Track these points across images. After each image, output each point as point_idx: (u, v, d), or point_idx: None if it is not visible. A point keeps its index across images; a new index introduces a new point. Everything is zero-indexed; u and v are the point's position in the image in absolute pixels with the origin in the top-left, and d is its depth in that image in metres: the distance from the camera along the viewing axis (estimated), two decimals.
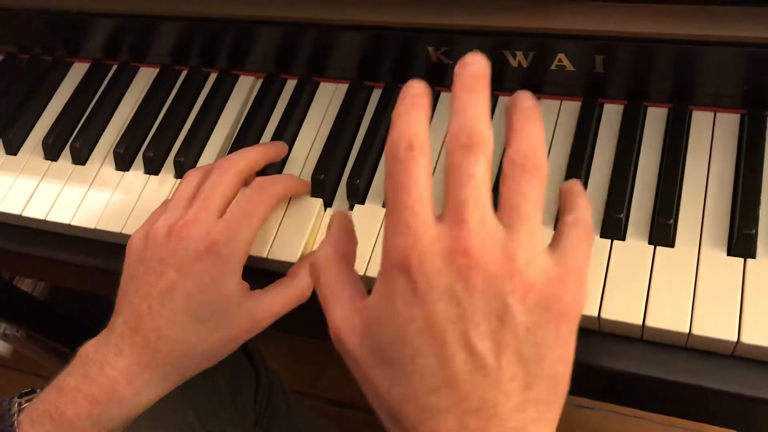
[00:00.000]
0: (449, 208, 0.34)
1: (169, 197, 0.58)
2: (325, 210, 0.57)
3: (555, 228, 0.42)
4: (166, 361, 0.48)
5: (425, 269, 0.33)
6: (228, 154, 0.61)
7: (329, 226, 0.41)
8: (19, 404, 0.49)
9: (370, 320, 0.35)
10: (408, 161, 0.35)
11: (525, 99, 0.37)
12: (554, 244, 0.37)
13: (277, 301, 0.50)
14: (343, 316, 0.37)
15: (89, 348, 0.49)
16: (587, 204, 0.40)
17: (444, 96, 0.60)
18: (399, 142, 0.35)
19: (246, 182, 0.54)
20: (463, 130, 0.34)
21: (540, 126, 0.36)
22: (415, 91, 0.37)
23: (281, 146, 0.59)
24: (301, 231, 0.55)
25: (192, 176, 0.53)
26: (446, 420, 0.33)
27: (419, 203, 0.34)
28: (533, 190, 0.35)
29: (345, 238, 0.40)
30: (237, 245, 0.48)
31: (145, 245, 0.50)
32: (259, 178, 0.53)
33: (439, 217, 0.35)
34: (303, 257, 0.54)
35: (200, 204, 0.50)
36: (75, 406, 0.47)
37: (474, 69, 0.37)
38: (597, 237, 0.50)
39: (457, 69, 0.37)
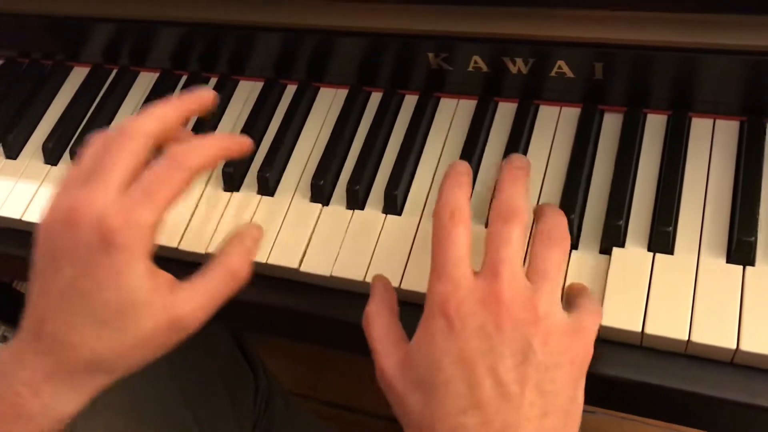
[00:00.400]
0: (487, 264, 0.41)
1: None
2: (323, 215, 0.57)
3: None
4: (70, 370, 0.41)
5: (462, 311, 0.40)
6: (226, 161, 0.61)
7: (372, 285, 0.47)
8: None
9: (411, 354, 0.41)
10: (451, 227, 0.42)
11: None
12: (570, 304, 0.43)
13: (203, 291, 0.43)
14: (388, 356, 0.42)
15: (1, 357, 0.43)
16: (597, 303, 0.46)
17: (444, 102, 0.60)
18: (444, 209, 0.43)
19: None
20: (504, 204, 0.43)
21: (562, 213, 0.45)
22: (461, 170, 0.45)
23: (208, 94, 0.48)
24: (300, 237, 0.55)
25: (95, 140, 0.44)
26: None
27: (460, 260, 0.41)
28: (556, 257, 0.42)
29: (387, 294, 0.46)
30: (138, 231, 0.40)
31: (45, 234, 0.42)
32: (173, 148, 0.43)
33: (476, 274, 0.41)
34: (233, 233, 0.47)
35: (94, 180, 0.41)
36: None
37: (517, 163, 0.46)
38: (596, 245, 0.50)
39: (503, 164, 0.46)
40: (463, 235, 0.42)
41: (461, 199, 0.43)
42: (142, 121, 0.43)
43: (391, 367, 0.42)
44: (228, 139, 0.47)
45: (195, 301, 0.43)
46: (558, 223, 0.44)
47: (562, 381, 0.39)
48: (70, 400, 0.42)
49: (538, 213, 0.46)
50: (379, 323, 0.44)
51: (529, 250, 0.43)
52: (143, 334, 0.41)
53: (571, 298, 0.45)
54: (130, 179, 0.41)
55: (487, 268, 0.41)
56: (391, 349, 0.43)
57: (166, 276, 0.43)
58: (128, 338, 0.41)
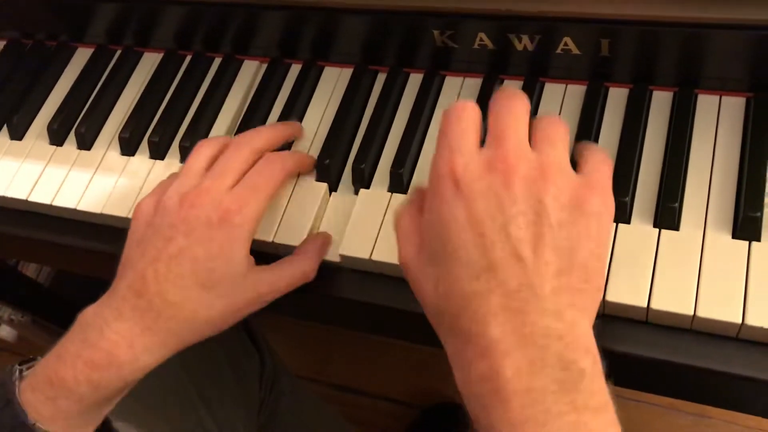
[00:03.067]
0: (491, 134, 0.40)
1: (177, 172, 0.58)
2: (330, 194, 0.57)
3: None
4: (167, 327, 0.48)
5: (468, 174, 0.39)
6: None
7: (412, 190, 0.47)
8: (20, 372, 0.49)
9: (423, 231, 0.41)
10: (459, 110, 0.41)
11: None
12: (580, 166, 0.41)
13: (282, 277, 0.51)
14: (407, 243, 0.42)
15: (89, 313, 0.49)
16: (600, 150, 0.44)
17: (449, 80, 0.60)
18: (454, 104, 0.42)
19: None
20: (507, 89, 0.42)
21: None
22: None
23: (297, 126, 0.59)
24: (306, 215, 0.55)
25: (204, 147, 0.53)
26: (488, 301, 0.37)
27: (465, 132, 0.40)
28: (561, 131, 0.41)
29: (421, 194, 0.44)
30: (248, 216, 0.49)
31: (155, 211, 0.50)
32: (270, 153, 0.53)
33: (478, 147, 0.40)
34: (308, 238, 0.54)
35: (215, 175, 0.50)
36: (74, 372, 0.46)
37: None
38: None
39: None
40: (471, 115, 0.41)
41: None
42: (253, 138, 0.53)
43: (409, 252, 0.42)
44: (308, 160, 0.57)
45: (276, 284, 0.50)
46: (557, 120, 0.43)
47: (579, 236, 0.38)
48: (155, 354, 0.48)
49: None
50: (407, 218, 0.44)
51: (532, 128, 0.41)
52: (234, 302, 0.49)
53: (581, 159, 0.42)
54: (237, 180, 0.50)
55: (491, 137, 0.40)
56: (412, 236, 0.42)
57: (253, 258, 0.50)
58: (221, 304, 0.48)
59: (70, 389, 0.47)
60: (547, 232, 0.37)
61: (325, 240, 0.54)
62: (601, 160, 0.42)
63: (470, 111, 0.41)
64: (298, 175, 0.58)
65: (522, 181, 0.38)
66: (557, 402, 0.35)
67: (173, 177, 0.54)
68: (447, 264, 0.38)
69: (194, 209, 0.48)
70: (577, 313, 0.37)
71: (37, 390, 0.47)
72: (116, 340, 0.47)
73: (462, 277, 0.37)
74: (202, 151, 0.53)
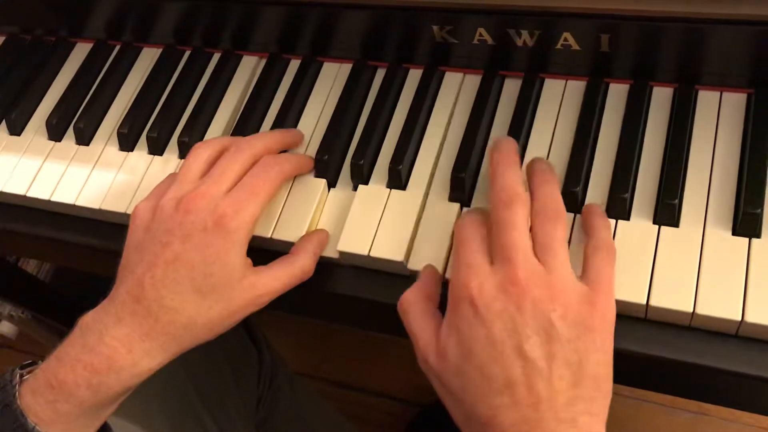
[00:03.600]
0: (498, 251, 0.44)
1: (175, 172, 0.58)
2: (328, 190, 0.57)
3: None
4: (165, 332, 0.48)
5: (484, 297, 0.42)
6: (231, 134, 0.62)
7: (421, 272, 0.49)
8: (21, 375, 0.49)
9: (444, 343, 0.44)
10: (469, 224, 0.46)
11: (540, 163, 0.49)
12: (584, 270, 0.45)
13: (279, 277, 0.51)
14: (426, 344, 0.45)
15: (88, 318, 0.49)
16: (605, 224, 0.47)
17: (448, 76, 0.60)
18: (470, 212, 0.47)
19: None
20: (502, 191, 0.45)
21: (555, 184, 0.47)
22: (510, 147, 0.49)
23: (298, 134, 0.59)
24: (305, 211, 0.55)
25: (201, 150, 0.53)
26: (510, 414, 0.41)
27: (478, 252, 0.44)
28: (558, 232, 0.44)
29: (433, 284, 0.48)
30: (244, 220, 0.49)
31: (152, 216, 0.50)
32: (267, 156, 0.54)
33: (491, 261, 0.44)
34: (305, 235, 0.54)
35: (212, 180, 0.50)
36: (74, 375, 0.47)
37: (506, 146, 0.48)
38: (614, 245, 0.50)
39: (492, 151, 0.48)
40: (480, 232, 0.45)
41: (513, 180, 0.46)
42: (254, 143, 0.54)
43: (433, 357, 0.44)
44: (306, 161, 0.57)
45: (273, 284, 0.50)
46: (552, 198, 0.46)
47: (586, 350, 0.41)
48: (155, 359, 0.49)
49: (531, 188, 0.47)
50: (418, 308, 0.46)
51: (532, 231, 0.45)
52: (233, 306, 0.49)
53: (585, 259, 0.46)
54: (234, 184, 0.51)
55: (499, 255, 0.43)
56: (432, 339, 0.45)
57: (250, 260, 0.50)
58: (219, 308, 0.49)
59: (70, 393, 0.47)
60: (558, 350, 0.41)
61: (321, 237, 0.54)
62: (604, 258, 0.45)
63: (478, 227, 0.46)
64: None
65: (532, 304, 0.41)
66: None
67: (170, 178, 0.54)
68: (472, 377, 0.42)
69: (190, 214, 0.49)
70: (590, 418, 0.41)
71: (37, 393, 0.48)
72: (115, 345, 0.47)
73: (487, 390, 0.41)
74: (200, 154, 0.53)
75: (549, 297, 0.42)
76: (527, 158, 0.53)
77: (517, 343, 0.41)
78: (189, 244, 0.48)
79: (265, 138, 0.55)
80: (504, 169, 0.46)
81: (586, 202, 0.51)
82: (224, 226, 0.48)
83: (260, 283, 0.50)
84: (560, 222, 0.45)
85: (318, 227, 0.55)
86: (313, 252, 0.53)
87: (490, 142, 0.56)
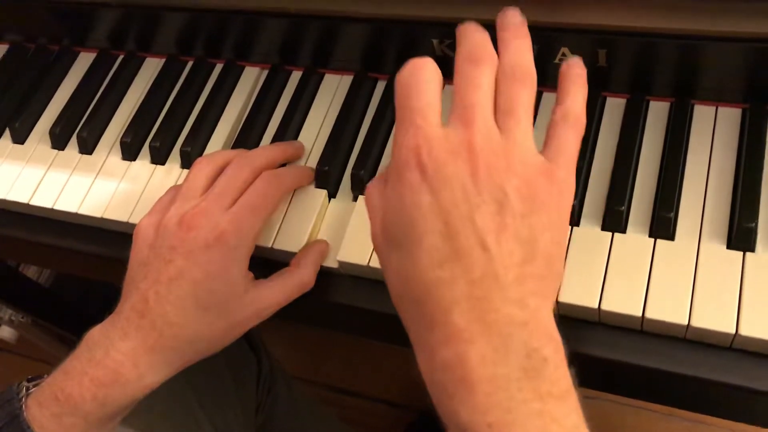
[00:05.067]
0: (457, 111, 0.39)
1: (177, 184, 0.59)
2: (329, 201, 0.57)
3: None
4: (170, 346, 0.49)
5: (433, 160, 0.37)
6: (233, 145, 0.62)
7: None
8: (27, 388, 0.50)
9: (384, 212, 0.40)
10: (419, 68, 0.40)
11: (513, 16, 0.43)
12: (546, 140, 0.41)
13: (281, 290, 0.52)
14: (373, 222, 0.41)
15: (95, 333, 0.50)
16: (580, 91, 0.42)
17: (448, 88, 0.60)
18: (409, 62, 0.40)
19: None
20: (472, 48, 0.41)
21: (527, 41, 0.42)
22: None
23: (299, 146, 0.60)
24: (305, 222, 0.56)
25: (202, 165, 0.54)
26: (451, 290, 0.36)
27: (428, 107, 0.39)
28: (524, 96, 0.40)
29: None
30: (245, 236, 0.50)
31: (155, 233, 0.51)
32: (268, 172, 0.54)
33: (446, 124, 0.39)
34: (305, 247, 0.54)
35: (214, 196, 0.51)
36: (81, 389, 0.48)
37: (471, 23, 0.43)
38: (598, 229, 0.50)
39: (460, 27, 0.43)
40: (433, 79, 0.40)
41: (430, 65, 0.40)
42: (254, 158, 0.54)
43: (375, 231, 0.41)
44: (308, 174, 0.57)
45: (274, 298, 0.51)
46: (522, 56, 0.41)
47: (540, 226, 0.38)
48: (160, 372, 0.49)
49: (499, 44, 0.42)
50: (376, 194, 0.42)
51: (496, 93, 0.40)
52: (234, 321, 0.50)
53: (549, 126, 0.42)
54: (236, 199, 0.51)
55: (457, 115, 0.39)
56: (379, 208, 0.41)
57: (251, 274, 0.51)
58: (224, 323, 0.50)
59: (76, 406, 0.48)
60: (510, 223, 0.37)
61: (321, 248, 0.54)
62: (569, 132, 0.41)
63: (431, 73, 0.40)
64: None
65: (487, 170, 0.37)
66: (521, 389, 0.35)
67: (172, 191, 0.54)
68: (410, 250, 0.37)
69: (192, 231, 0.49)
70: (539, 300, 0.37)
71: (43, 406, 0.48)
72: (121, 360, 0.48)
73: (425, 264, 0.37)
74: (201, 169, 0.54)
75: (505, 166, 0.38)
76: None
77: (465, 212, 0.37)
78: (192, 261, 0.49)
79: (267, 152, 0.56)
80: (472, 28, 0.42)
81: (583, 216, 0.51)
82: (226, 242, 0.49)
83: (262, 297, 0.51)
84: (528, 85, 0.40)
85: (318, 237, 0.56)
86: (313, 263, 0.53)
87: None
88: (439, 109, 0.39)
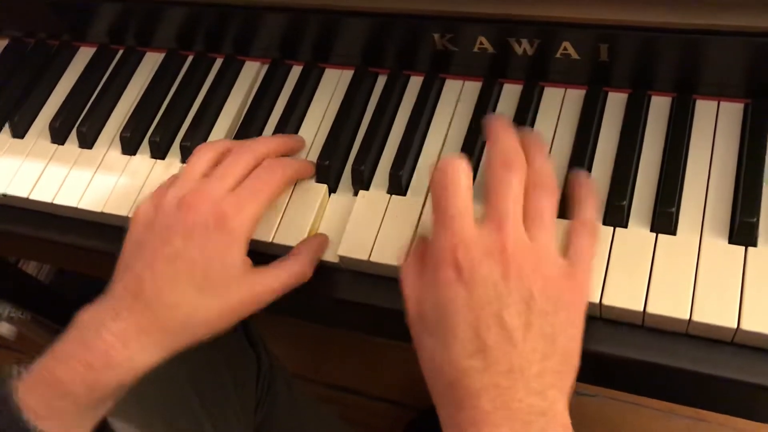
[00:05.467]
0: (491, 215, 0.43)
1: (177, 174, 0.58)
2: (329, 196, 0.57)
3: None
4: (162, 327, 0.48)
5: (469, 261, 0.42)
6: (233, 139, 0.62)
7: (417, 240, 0.49)
8: (19, 372, 0.49)
9: (421, 300, 0.44)
10: (453, 173, 0.44)
11: (531, 134, 0.49)
12: (567, 245, 0.45)
13: (278, 277, 0.51)
14: (412, 299, 0.45)
15: (85, 315, 0.49)
16: (593, 202, 0.48)
17: (449, 83, 0.60)
18: (444, 164, 0.44)
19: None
20: (503, 153, 0.45)
21: (547, 154, 0.47)
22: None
23: (300, 140, 0.60)
24: (305, 216, 0.55)
25: (204, 151, 0.54)
26: (481, 378, 0.40)
27: (464, 212, 0.43)
28: (549, 205, 0.45)
29: (420, 246, 0.47)
30: (245, 220, 0.50)
31: (154, 214, 0.50)
32: (270, 159, 0.54)
33: (479, 224, 0.43)
34: (305, 239, 0.54)
35: (215, 179, 0.51)
36: (70, 372, 0.47)
37: (501, 118, 0.48)
38: (599, 224, 0.50)
39: (489, 119, 0.49)
40: (465, 184, 0.44)
41: (463, 165, 0.45)
42: (257, 146, 0.54)
43: (412, 315, 0.44)
44: (309, 167, 0.57)
45: (272, 285, 0.51)
46: (546, 169, 0.46)
47: (561, 324, 0.42)
48: (152, 355, 0.48)
49: (526, 154, 0.47)
50: (411, 276, 0.46)
51: (524, 200, 0.45)
52: (230, 304, 0.49)
53: (569, 234, 0.46)
54: (236, 185, 0.51)
55: (491, 218, 0.43)
56: (414, 298, 0.45)
57: (249, 261, 0.51)
58: (217, 306, 0.49)
59: (66, 389, 0.47)
60: (535, 321, 0.41)
61: (321, 241, 0.54)
62: (587, 239, 0.46)
63: (463, 177, 0.44)
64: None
65: (517, 273, 0.41)
66: None
67: (172, 180, 0.54)
68: (445, 338, 0.42)
69: (192, 212, 0.49)
70: (557, 393, 0.41)
71: (34, 390, 0.47)
72: (112, 341, 0.47)
73: (458, 353, 0.41)
74: (202, 155, 0.54)
75: (532, 268, 0.42)
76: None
77: (497, 310, 0.41)
78: (190, 242, 0.48)
79: (268, 142, 0.56)
80: (504, 134, 0.46)
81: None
82: (225, 224, 0.49)
83: (259, 282, 0.50)
84: (554, 195, 0.45)
85: (318, 232, 0.55)
86: (311, 254, 0.53)
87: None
88: (472, 212, 0.43)
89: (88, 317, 0.49)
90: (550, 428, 0.40)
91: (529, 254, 0.42)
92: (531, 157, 0.47)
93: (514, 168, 0.44)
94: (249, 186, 0.51)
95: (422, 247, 0.47)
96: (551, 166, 0.47)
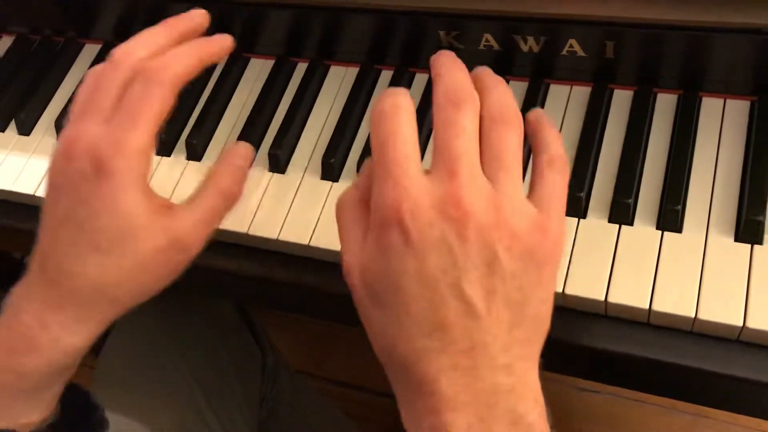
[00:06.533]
0: (440, 160, 0.36)
1: None
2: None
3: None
4: (74, 300, 0.42)
5: (418, 221, 0.35)
6: (239, 137, 0.62)
7: (362, 172, 0.41)
8: None
9: (366, 268, 0.37)
10: (393, 116, 0.37)
11: (486, 69, 0.41)
12: (533, 189, 0.39)
13: (196, 210, 0.43)
14: (349, 259, 0.38)
15: (11, 296, 0.43)
16: (556, 135, 0.41)
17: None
18: (383, 100, 0.37)
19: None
20: (451, 88, 0.37)
21: (508, 89, 0.39)
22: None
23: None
24: (310, 213, 0.55)
25: (89, 75, 0.43)
26: (438, 359, 0.35)
27: (406, 158, 0.36)
28: (513, 141, 0.37)
29: (370, 182, 0.39)
30: (128, 155, 0.40)
31: (50, 171, 0.43)
32: (147, 64, 0.42)
33: (427, 171, 0.36)
34: (224, 152, 0.47)
35: (83, 112, 0.42)
36: None
37: (447, 52, 0.41)
38: (605, 222, 0.50)
39: (434, 57, 0.41)
40: (410, 127, 0.37)
41: (405, 97, 0.38)
42: (131, 50, 0.42)
43: (355, 278, 0.38)
44: (204, 43, 0.45)
45: (192, 220, 0.43)
46: (506, 99, 0.38)
47: (530, 286, 0.36)
48: (76, 333, 0.42)
49: (479, 86, 0.39)
50: (347, 217, 0.39)
51: (481, 139, 0.37)
52: (143, 257, 0.41)
53: (535, 174, 0.39)
54: (116, 109, 0.41)
55: (441, 165, 0.36)
56: (357, 249, 0.38)
57: (161, 199, 0.43)
58: (128, 263, 0.41)
59: None
60: (500, 286, 0.35)
61: (240, 151, 0.47)
62: (557, 177, 0.39)
63: (407, 113, 0.37)
64: (303, 174, 0.58)
65: (476, 230, 0.35)
66: None
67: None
68: (397, 314, 0.36)
69: (70, 162, 0.41)
70: (526, 363, 0.36)
71: None
72: (29, 322, 0.42)
73: (413, 332, 0.35)
74: (85, 83, 0.43)
75: (495, 223, 0.35)
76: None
77: (454, 279, 0.34)
78: (74, 198, 0.41)
79: (150, 38, 0.44)
80: (451, 69, 0.39)
81: (590, 208, 0.51)
82: (103, 169, 0.40)
83: (174, 225, 0.42)
84: (516, 127, 0.37)
85: (324, 228, 0.55)
86: (233, 168, 0.45)
87: None
88: (419, 158, 0.36)
89: (11, 299, 0.43)
90: (519, 405, 0.35)
91: (490, 205, 0.35)
92: (485, 88, 0.39)
93: (464, 103, 0.37)
94: (123, 111, 0.41)
95: (363, 188, 0.39)
96: (511, 96, 0.38)
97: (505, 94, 0.38)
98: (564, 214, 0.38)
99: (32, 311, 0.42)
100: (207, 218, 0.43)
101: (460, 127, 0.36)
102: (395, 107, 0.37)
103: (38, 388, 0.44)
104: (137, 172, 0.41)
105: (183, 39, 0.45)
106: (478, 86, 0.38)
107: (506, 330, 0.35)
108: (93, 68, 0.44)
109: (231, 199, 0.44)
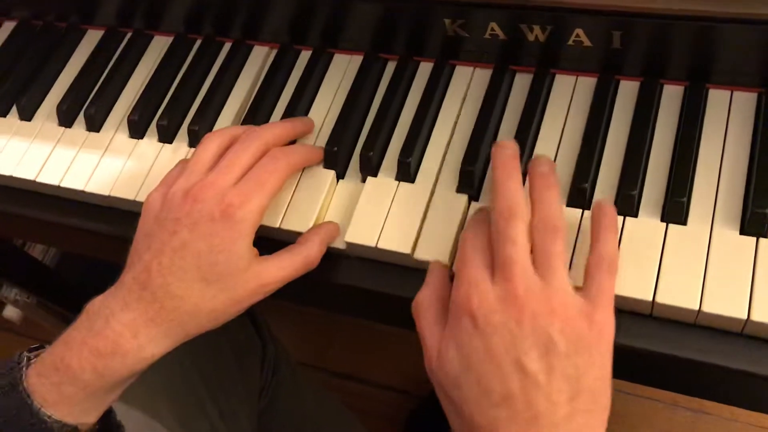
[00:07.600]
0: (499, 265, 0.44)
1: (186, 158, 0.59)
2: (337, 182, 0.57)
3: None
4: (170, 318, 0.49)
5: (483, 309, 0.43)
6: (241, 124, 0.62)
7: (429, 270, 0.49)
8: (28, 358, 0.50)
9: (445, 354, 0.44)
10: (471, 238, 0.46)
11: (542, 165, 0.48)
12: (585, 284, 0.45)
13: (285, 266, 0.51)
14: (431, 350, 0.45)
15: (96, 303, 0.50)
16: (612, 236, 0.46)
17: (459, 70, 0.60)
18: (472, 224, 0.47)
19: None
20: (505, 206, 0.45)
21: (556, 190, 0.47)
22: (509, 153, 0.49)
23: (309, 122, 0.60)
24: (313, 202, 0.55)
25: (211, 141, 0.54)
26: (509, 427, 0.41)
27: (482, 267, 0.45)
28: (558, 247, 0.44)
29: (443, 283, 0.48)
30: (251, 211, 0.50)
31: (161, 205, 0.51)
32: (276, 148, 0.54)
33: (491, 272, 0.44)
34: (315, 226, 0.54)
35: (221, 170, 0.51)
36: (80, 359, 0.48)
37: (507, 152, 0.48)
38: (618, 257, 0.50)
39: (493, 157, 0.49)
40: (477, 240, 0.46)
41: (515, 198, 0.46)
42: (263, 134, 0.54)
43: (435, 364, 0.45)
44: (310, 146, 0.58)
45: (279, 273, 0.51)
46: (553, 209, 0.46)
47: (584, 365, 0.41)
48: (159, 345, 0.49)
49: (531, 195, 0.47)
50: (430, 314, 0.46)
51: (532, 245, 0.45)
52: (238, 295, 0.50)
53: (587, 271, 0.45)
54: (243, 174, 0.51)
55: (499, 269, 0.44)
56: (436, 346, 0.45)
57: (256, 250, 0.51)
58: (224, 296, 0.49)
59: (75, 376, 0.48)
60: (557, 364, 0.41)
61: (330, 228, 0.54)
62: (604, 276, 0.44)
63: (480, 240, 0.46)
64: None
65: (531, 318, 0.42)
66: None
67: (181, 165, 0.54)
68: (471, 390, 0.42)
69: (198, 204, 0.49)
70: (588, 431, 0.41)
71: (43, 375, 0.48)
72: (121, 330, 0.48)
73: (484, 404, 0.42)
74: (209, 144, 0.54)
75: (547, 311, 0.42)
76: (536, 153, 0.54)
77: (515, 356, 0.41)
78: (196, 233, 0.49)
79: (275, 128, 0.56)
80: (505, 180, 0.47)
81: (594, 198, 0.51)
82: (231, 216, 0.49)
83: (265, 273, 0.50)
84: (559, 236, 0.45)
85: (326, 219, 0.55)
86: (319, 242, 0.53)
87: (499, 137, 0.56)
88: (490, 269, 0.44)
89: (98, 307, 0.49)
90: None
91: (542, 297, 0.42)
92: (536, 192, 0.47)
93: (514, 218, 0.44)
94: (254, 177, 0.51)
95: (439, 292, 0.47)
96: (557, 205, 0.46)
97: (551, 203, 0.46)
98: (612, 307, 0.44)
99: (126, 321, 0.48)
100: (289, 276, 0.52)
101: (511, 238, 0.44)
102: (475, 230, 0.47)
103: (108, 391, 0.50)
104: (253, 225, 0.50)
105: (297, 136, 0.59)
106: (532, 196, 0.47)
107: (566, 401, 0.41)
108: (217, 134, 0.54)
109: (310, 267, 0.53)
